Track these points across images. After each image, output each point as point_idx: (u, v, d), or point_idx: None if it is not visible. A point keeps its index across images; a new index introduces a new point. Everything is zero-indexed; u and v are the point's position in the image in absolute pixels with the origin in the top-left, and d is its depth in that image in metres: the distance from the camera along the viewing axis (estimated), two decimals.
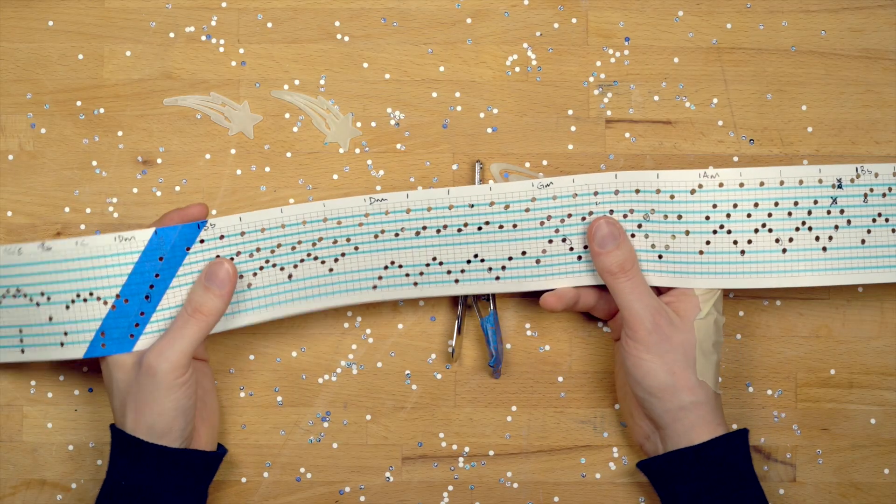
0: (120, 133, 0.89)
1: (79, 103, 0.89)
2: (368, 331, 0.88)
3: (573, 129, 0.89)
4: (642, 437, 0.84)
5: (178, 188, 0.88)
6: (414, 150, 0.89)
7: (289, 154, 0.89)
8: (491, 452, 0.88)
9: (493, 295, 0.87)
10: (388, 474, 0.88)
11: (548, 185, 0.84)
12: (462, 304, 0.87)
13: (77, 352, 0.82)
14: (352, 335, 0.88)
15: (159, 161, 0.89)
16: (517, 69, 0.89)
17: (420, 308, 0.88)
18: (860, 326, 0.89)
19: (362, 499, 0.88)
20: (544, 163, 0.89)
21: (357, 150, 0.89)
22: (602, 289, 0.85)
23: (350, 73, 0.89)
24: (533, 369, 0.88)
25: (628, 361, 0.81)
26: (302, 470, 0.88)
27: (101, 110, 0.89)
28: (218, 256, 0.82)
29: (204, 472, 0.82)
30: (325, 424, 0.88)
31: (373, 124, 0.89)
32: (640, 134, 0.89)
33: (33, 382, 0.88)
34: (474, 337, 0.89)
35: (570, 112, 0.89)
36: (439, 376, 0.88)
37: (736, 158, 0.89)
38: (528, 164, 0.89)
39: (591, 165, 0.89)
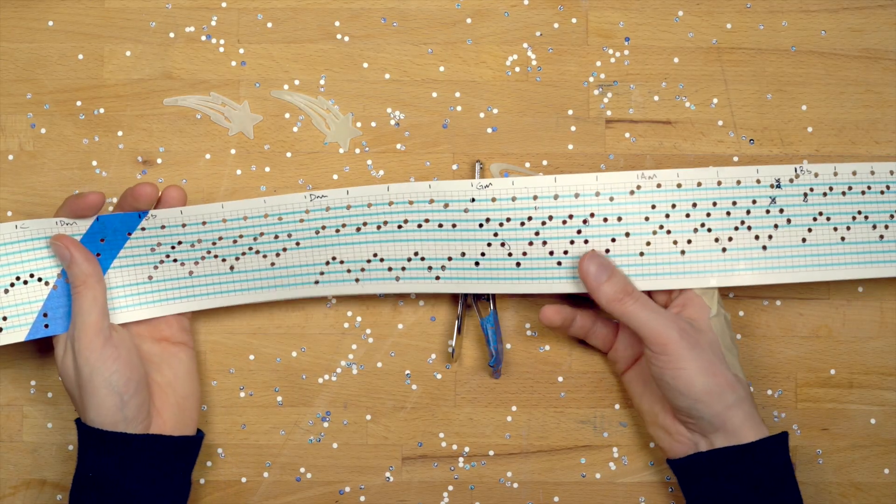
0: (120, 133, 0.89)
1: (79, 103, 0.89)
2: (368, 331, 0.88)
3: (573, 129, 0.89)
4: (688, 450, 0.83)
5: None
6: (414, 150, 0.89)
7: (289, 154, 0.89)
8: (491, 452, 0.88)
9: (493, 295, 0.87)
10: (388, 474, 0.88)
11: (487, 187, 0.84)
12: (462, 304, 0.87)
13: (18, 335, 0.83)
14: (352, 335, 0.88)
15: (159, 161, 0.89)
16: (517, 69, 0.89)
17: (420, 308, 0.88)
18: (860, 326, 0.89)
19: (362, 499, 0.88)
20: (544, 163, 0.89)
21: (357, 150, 0.89)
22: (597, 314, 0.86)
23: (350, 73, 0.89)
24: (533, 369, 0.88)
25: (667, 376, 0.80)
26: (302, 470, 0.88)
27: (101, 110, 0.89)
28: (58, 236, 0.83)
29: (175, 459, 0.82)
30: (325, 424, 0.88)
31: (373, 124, 0.89)
32: (640, 134, 0.89)
33: (33, 382, 0.88)
34: (474, 337, 0.89)
35: (570, 112, 0.89)
36: (439, 376, 0.88)
37: (736, 158, 0.89)
38: (528, 164, 0.89)
39: (592, 165, 0.89)
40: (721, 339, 0.82)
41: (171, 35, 0.89)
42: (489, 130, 0.89)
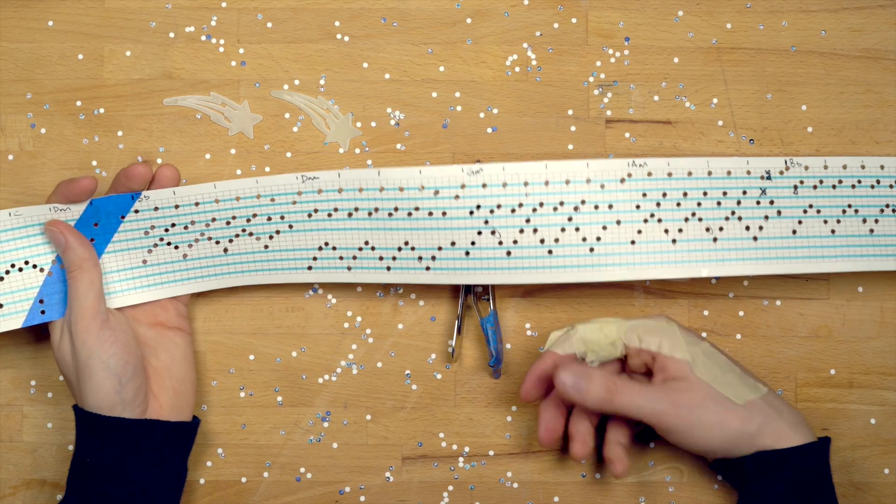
0: (120, 133, 0.89)
1: (79, 103, 0.89)
2: (368, 331, 0.88)
3: (573, 129, 0.89)
4: None
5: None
6: (414, 150, 0.89)
7: (289, 154, 0.89)
8: (491, 452, 0.88)
9: (493, 295, 0.87)
10: (388, 474, 0.88)
11: (477, 172, 0.84)
12: (462, 304, 0.87)
13: (16, 322, 0.84)
14: (352, 335, 0.88)
15: (159, 161, 0.89)
16: (517, 69, 0.89)
17: (420, 308, 0.88)
18: (860, 326, 0.89)
19: (362, 499, 0.88)
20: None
21: (357, 150, 0.89)
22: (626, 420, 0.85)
23: (350, 73, 0.89)
24: None
25: (686, 445, 0.81)
26: (302, 470, 0.88)
27: (101, 110, 0.89)
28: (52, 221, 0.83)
29: (172, 444, 0.82)
30: (325, 424, 0.88)
31: (373, 124, 0.89)
32: (640, 134, 0.89)
33: (33, 382, 0.88)
34: (474, 337, 0.89)
35: (570, 112, 0.89)
36: (439, 376, 0.88)
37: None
38: None
39: None
40: (713, 381, 0.81)
41: (171, 35, 0.89)
42: (489, 130, 0.89)
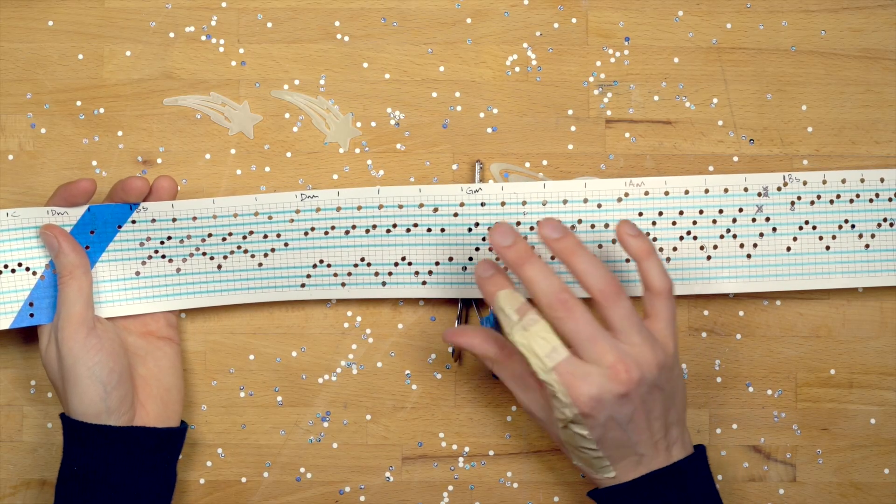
0: (120, 133, 0.89)
1: (79, 103, 0.89)
2: (368, 331, 0.88)
3: (573, 129, 0.89)
4: None
5: (178, 188, 0.88)
6: (414, 150, 0.89)
7: (289, 154, 0.89)
8: (491, 452, 0.88)
9: None
10: (388, 474, 0.88)
11: (477, 191, 0.84)
12: (462, 304, 0.87)
13: (3, 322, 0.84)
14: (352, 335, 0.88)
15: (159, 161, 0.89)
16: (517, 69, 0.89)
17: (420, 308, 0.88)
18: (860, 326, 0.89)
19: (362, 499, 0.88)
20: (544, 163, 0.89)
21: (357, 150, 0.89)
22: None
23: (350, 73, 0.89)
24: None
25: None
26: (302, 470, 0.88)
27: (101, 110, 0.89)
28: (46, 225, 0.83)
29: (159, 451, 0.82)
30: (325, 424, 0.88)
31: (373, 124, 0.89)
32: (640, 134, 0.89)
33: (33, 382, 0.88)
34: None
35: (570, 112, 0.89)
36: (439, 376, 0.88)
37: (736, 158, 0.89)
38: (528, 164, 0.89)
39: (591, 165, 0.89)
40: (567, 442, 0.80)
41: (171, 35, 0.89)
42: (489, 130, 0.89)
